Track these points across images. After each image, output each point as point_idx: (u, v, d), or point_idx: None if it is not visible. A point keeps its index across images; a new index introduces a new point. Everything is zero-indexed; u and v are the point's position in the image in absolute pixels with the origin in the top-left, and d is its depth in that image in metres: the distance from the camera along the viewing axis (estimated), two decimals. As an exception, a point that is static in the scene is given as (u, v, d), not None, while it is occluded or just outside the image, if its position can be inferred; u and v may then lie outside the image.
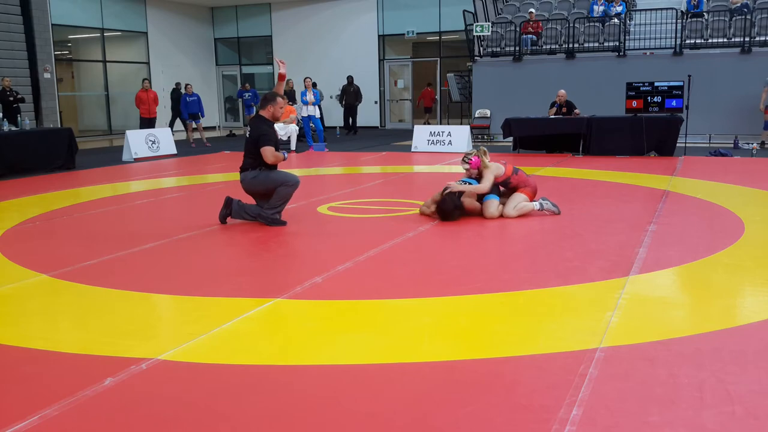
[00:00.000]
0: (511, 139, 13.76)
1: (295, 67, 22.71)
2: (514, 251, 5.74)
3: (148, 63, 22.43)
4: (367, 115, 22.10)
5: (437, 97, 22.50)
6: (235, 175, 7.81)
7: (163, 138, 14.75)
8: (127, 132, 14.23)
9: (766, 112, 13.46)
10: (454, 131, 14.50)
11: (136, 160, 13.68)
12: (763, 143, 13.58)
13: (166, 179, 10.82)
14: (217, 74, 25.08)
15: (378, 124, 22.92)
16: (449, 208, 6.67)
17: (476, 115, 17.19)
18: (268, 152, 6.50)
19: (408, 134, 16.73)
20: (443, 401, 2.94)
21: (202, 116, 17.17)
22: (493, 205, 6.80)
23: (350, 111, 20.88)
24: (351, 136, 19.92)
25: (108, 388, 3.11)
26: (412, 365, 3.35)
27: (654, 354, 3.40)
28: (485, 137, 16.79)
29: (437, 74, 22.29)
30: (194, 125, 17.14)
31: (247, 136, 6.66)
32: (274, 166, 6.65)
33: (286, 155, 6.64)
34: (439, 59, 22.38)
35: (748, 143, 13.35)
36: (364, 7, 22.52)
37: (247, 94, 19.38)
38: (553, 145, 13.34)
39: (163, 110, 20.00)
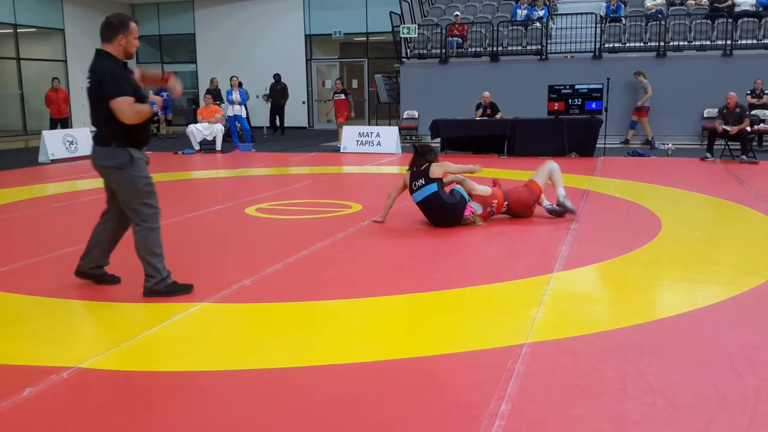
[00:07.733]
0: (439, 140, 13.93)
1: (219, 66, 22.37)
2: (443, 250, 5.81)
3: (65, 61, 21.60)
4: (295, 115, 21.92)
5: (364, 98, 22.40)
6: (157, 177, 7.41)
7: (81, 138, 14.25)
8: (44, 132, 13.69)
9: (634, 113, 14.96)
10: (383, 132, 14.61)
11: (53, 161, 13.17)
12: (627, 141, 15.04)
13: (85, 181, 10.43)
14: (138, 73, 24.38)
15: (306, 125, 22.77)
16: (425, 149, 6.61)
17: (404, 116, 17.32)
18: (123, 105, 4.17)
19: (336, 135, 16.68)
20: (376, 401, 2.95)
21: None
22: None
23: (277, 110, 20.65)
24: (278, 136, 19.71)
25: (27, 399, 2.98)
26: (344, 366, 3.34)
27: (578, 348, 3.50)
28: (414, 138, 16.92)
29: (365, 75, 22.31)
30: None
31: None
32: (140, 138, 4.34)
33: (155, 106, 4.45)
34: (366, 60, 22.43)
35: (663, 144, 13.93)
36: (291, 6, 22.33)
37: None
38: (480, 146, 13.58)
39: (81, 110, 19.28)
